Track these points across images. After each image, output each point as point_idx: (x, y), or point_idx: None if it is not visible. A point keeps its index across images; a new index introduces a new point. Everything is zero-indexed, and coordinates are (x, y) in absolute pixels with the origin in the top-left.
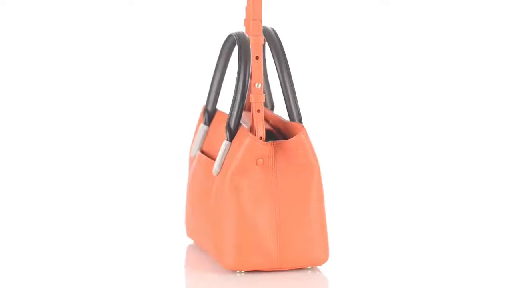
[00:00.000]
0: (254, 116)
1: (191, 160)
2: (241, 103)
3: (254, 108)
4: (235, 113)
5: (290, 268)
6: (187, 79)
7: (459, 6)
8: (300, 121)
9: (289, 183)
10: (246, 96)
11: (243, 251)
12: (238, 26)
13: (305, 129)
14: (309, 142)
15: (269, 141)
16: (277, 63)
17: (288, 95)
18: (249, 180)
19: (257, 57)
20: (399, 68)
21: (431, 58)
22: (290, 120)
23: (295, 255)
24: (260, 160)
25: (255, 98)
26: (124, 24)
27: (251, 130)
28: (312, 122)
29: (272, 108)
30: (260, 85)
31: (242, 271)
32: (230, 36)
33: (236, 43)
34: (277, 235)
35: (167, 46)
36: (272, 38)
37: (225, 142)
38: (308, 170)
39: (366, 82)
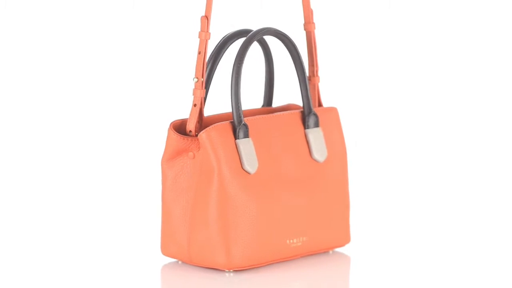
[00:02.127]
0: (191, 109)
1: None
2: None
3: (192, 101)
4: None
5: (199, 265)
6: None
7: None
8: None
9: (202, 180)
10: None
11: (165, 239)
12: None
13: (211, 128)
14: (218, 140)
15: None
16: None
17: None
18: (175, 171)
19: (199, 52)
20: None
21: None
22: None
23: (200, 253)
24: (190, 153)
25: (193, 92)
26: (121, 26)
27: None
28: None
29: (309, 112)
30: (196, 79)
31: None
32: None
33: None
34: (188, 230)
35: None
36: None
37: None
38: (212, 168)
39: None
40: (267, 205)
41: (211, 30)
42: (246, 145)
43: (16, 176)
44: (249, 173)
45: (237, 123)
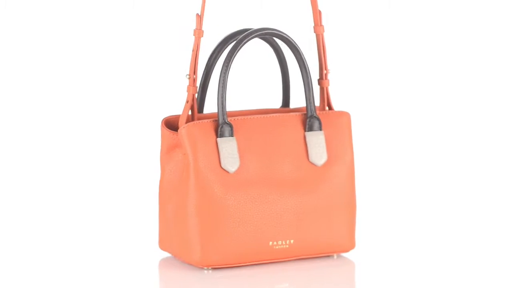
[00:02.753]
0: (184, 106)
1: None
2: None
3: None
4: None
5: (181, 260)
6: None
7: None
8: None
9: (185, 175)
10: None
11: (162, 234)
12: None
13: (192, 124)
14: (197, 136)
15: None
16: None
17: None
18: (170, 166)
19: (192, 50)
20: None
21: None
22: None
23: (180, 249)
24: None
25: (186, 89)
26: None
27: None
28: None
29: (310, 115)
30: (188, 76)
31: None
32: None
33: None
34: (173, 225)
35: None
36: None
37: None
38: (189, 163)
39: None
40: (248, 205)
41: (212, 29)
42: (227, 144)
43: (16, 174)
44: (228, 171)
45: (220, 122)
